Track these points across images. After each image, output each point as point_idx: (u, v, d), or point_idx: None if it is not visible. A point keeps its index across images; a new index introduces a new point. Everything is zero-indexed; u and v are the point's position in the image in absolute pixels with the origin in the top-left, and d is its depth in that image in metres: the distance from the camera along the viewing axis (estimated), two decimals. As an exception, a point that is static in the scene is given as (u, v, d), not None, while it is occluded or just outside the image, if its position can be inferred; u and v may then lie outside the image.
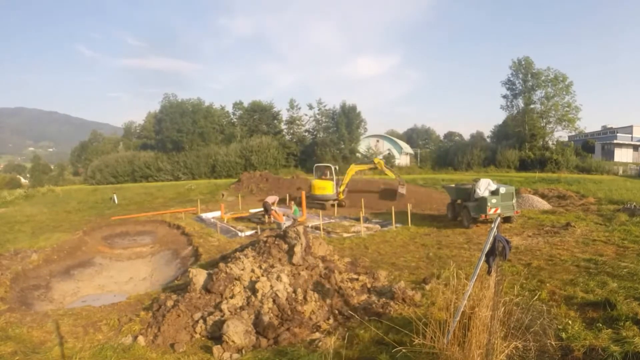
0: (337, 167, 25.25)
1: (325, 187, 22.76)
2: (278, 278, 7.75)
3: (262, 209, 18.79)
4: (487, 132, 63.40)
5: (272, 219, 17.40)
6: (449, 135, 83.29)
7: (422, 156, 55.50)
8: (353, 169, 24.08)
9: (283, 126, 56.03)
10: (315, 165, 26.62)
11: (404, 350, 4.53)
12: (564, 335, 5.46)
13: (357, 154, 50.49)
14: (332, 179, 23.22)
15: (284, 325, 6.67)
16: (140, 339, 6.53)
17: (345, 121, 49.21)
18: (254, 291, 7.52)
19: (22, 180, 73.98)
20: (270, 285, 7.59)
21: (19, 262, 12.32)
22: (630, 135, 53.96)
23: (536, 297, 6.69)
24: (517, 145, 45.02)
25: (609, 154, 49.21)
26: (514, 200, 14.85)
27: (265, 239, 9.83)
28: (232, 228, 17.15)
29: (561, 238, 11.70)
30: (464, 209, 15.12)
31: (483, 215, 14.19)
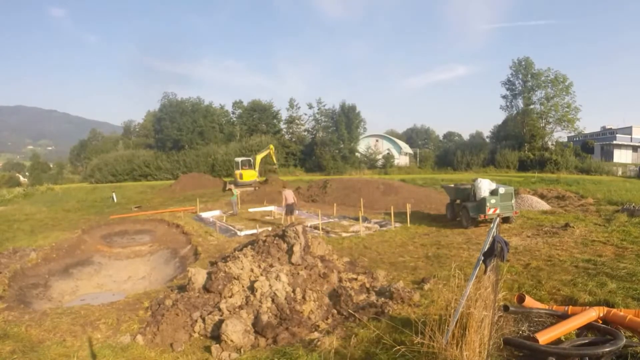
0: (250, 159, 33.89)
1: (252, 175, 31.98)
2: (277, 277, 7.74)
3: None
4: (486, 132, 63.47)
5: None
6: (449, 135, 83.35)
7: (421, 156, 55.48)
8: (258, 157, 33.45)
9: (282, 126, 56.03)
10: (239, 159, 34.14)
11: (403, 350, 4.53)
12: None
13: (357, 154, 50.47)
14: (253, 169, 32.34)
15: (283, 325, 6.67)
16: (139, 338, 6.53)
17: (345, 121, 49.19)
18: (252, 290, 7.52)
19: (21, 178, 73.90)
20: (269, 285, 7.59)
21: (18, 260, 12.30)
22: (629, 136, 54.08)
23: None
24: (517, 145, 45.08)
25: (608, 154, 49.29)
26: (513, 201, 14.85)
27: (264, 238, 9.82)
28: (231, 227, 17.14)
29: (560, 238, 11.70)
30: (463, 209, 15.12)
31: (482, 216, 14.19)
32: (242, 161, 33.04)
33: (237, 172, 31.97)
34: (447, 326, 4.25)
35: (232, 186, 30.06)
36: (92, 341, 6.52)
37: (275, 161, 35.52)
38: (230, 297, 7.45)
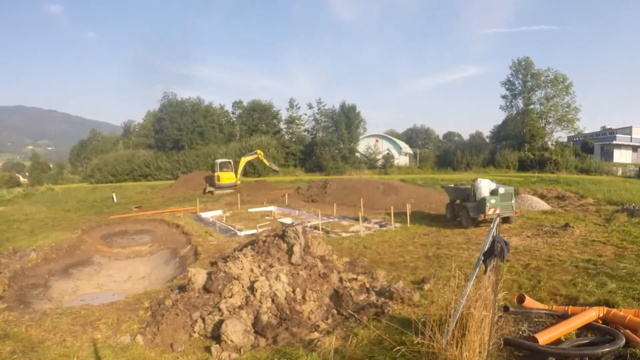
0: (231, 161, 33.37)
1: (230, 178, 30.94)
2: (277, 277, 7.75)
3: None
4: (486, 132, 63.44)
5: None
6: (449, 135, 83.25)
7: (421, 156, 55.46)
8: (243, 160, 32.55)
9: (282, 126, 56.02)
10: (218, 160, 33.22)
11: (403, 350, 4.53)
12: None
13: (357, 154, 50.47)
14: (232, 171, 31.45)
15: (283, 325, 6.68)
16: (139, 338, 6.53)
17: (345, 121, 49.17)
18: (252, 291, 7.52)
19: (21, 178, 73.85)
20: (269, 285, 7.59)
21: (18, 260, 12.30)
22: (629, 136, 54.04)
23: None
24: (517, 145, 45.07)
25: (608, 154, 49.28)
26: (513, 201, 14.85)
27: (264, 238, 9.83)
28: (231, 227, 17.14)
29: (560, 238, 11.71)
30: (463, 209, 15.12)
31: (482, 216, 14.19)
32: (221, 163, 32.23)
33: (216, 174, 31.13)
34: (447, 326, 4.25)
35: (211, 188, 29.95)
36: (92, 341, 6.52)
37: (267, 163, 33.81)
38: (230, 297, 7.45)
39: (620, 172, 37.05)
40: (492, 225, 5.23)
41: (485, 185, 14.62)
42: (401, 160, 53.13)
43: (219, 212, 21.71)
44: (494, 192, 14.38)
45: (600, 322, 5.37)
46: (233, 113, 57.91)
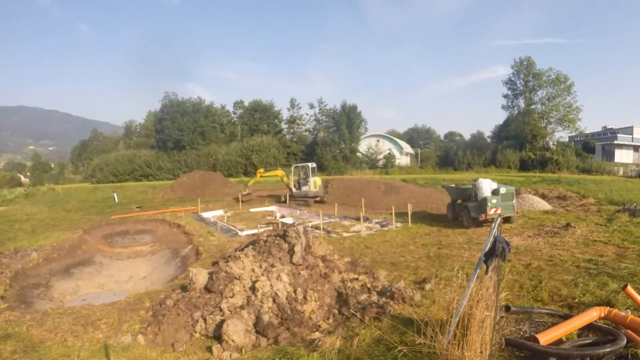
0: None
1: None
2: (278, 277, 7.75)
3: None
4: (487, 132, 63.46)
5: None
6: (450, 135, 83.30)
7: (423, 156, 55.48)
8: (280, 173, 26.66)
9: (283, 125, 56.11)
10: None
11: (404, 350, 4.54)
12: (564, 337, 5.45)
13: (358, 154, 50.52)
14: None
15: (284, 325, 6.67)
16: (140, 337, 6.54)
17: (346, 121, 49.20)
18: (254, 290, 7.52)
19: (23, 178, 74.08)
20: (270, 285, 7.59)
21: (19, 260, 12.32)
22: (630, 136, 53.95)
23: (536, 297, 6.69)
24: (518, 145, 45.06)
25: (609, 154, 49.23)
26: (514, 201, 14.83)
27: (265, 238, 9.83)
28: (232, 227, 17.15)
29: (561, 238, 11.69)
30: (464, 209, 15.10)
31: (483, 216, 14.17)
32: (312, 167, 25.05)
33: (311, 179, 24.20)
34: (449, 326, 4.25)
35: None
36: (93, 341, 6.52)
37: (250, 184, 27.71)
38: (232, 297, 7.46)
39: (621, 172, 37.01)
40: (493, 225, 5.22)
41: (486, 185, 14.60)
42: (402, 160, 53.19)
43: (220, 212, 21.74)
44: (495, 192, 14.36)
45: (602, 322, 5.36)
46: (234, 113, 58.06)
